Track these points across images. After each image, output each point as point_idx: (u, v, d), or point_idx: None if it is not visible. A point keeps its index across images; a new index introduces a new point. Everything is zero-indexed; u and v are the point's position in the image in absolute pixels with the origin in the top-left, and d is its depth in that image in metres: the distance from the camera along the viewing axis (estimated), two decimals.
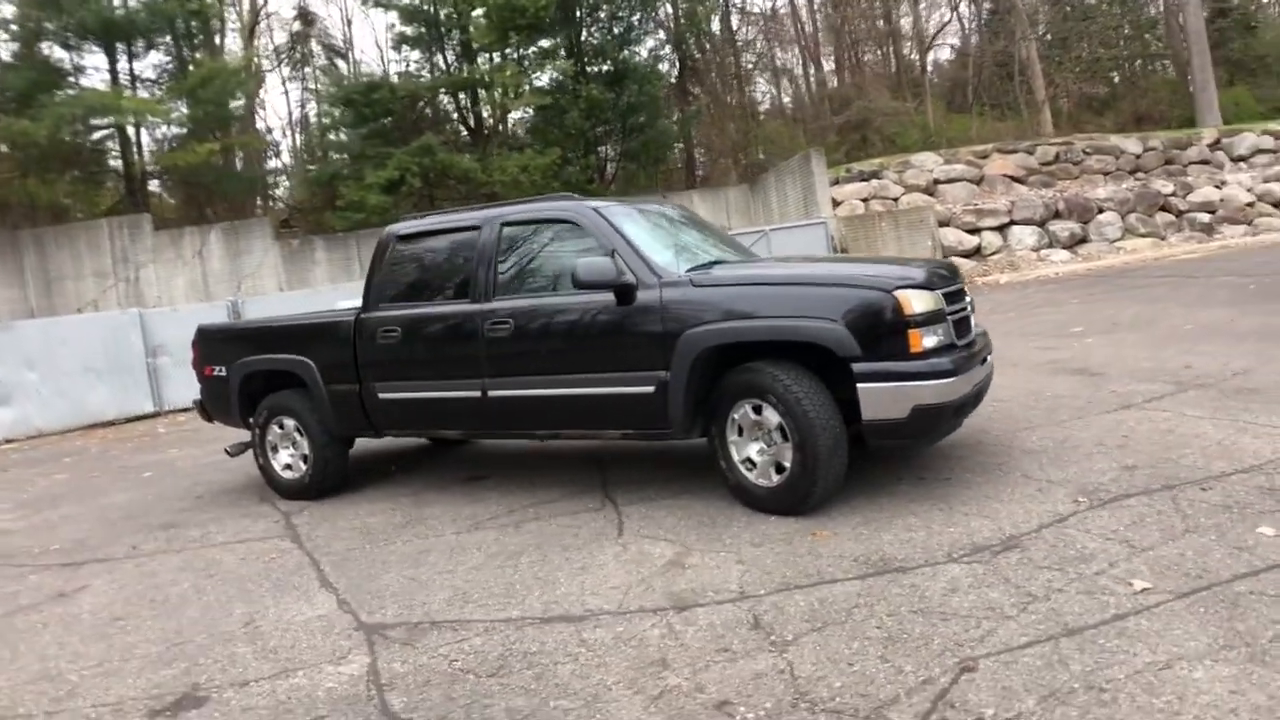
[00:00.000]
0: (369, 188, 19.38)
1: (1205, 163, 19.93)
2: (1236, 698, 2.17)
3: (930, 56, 27.75)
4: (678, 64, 23.86)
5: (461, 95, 22.61)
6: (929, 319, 3.84)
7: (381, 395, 5.19)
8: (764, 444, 4.10)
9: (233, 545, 4.75)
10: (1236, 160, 19.97)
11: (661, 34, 23.18)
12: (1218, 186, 18.89)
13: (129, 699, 2.92)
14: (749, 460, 4.15)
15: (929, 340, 3.82)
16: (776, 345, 4.03)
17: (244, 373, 5.82)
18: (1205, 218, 18.17)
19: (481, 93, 21.73)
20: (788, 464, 3.96)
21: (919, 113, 24.94)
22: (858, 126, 24.34)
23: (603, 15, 20.98)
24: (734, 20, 26.81)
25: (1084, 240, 17.79)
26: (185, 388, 12.44)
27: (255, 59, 21.44)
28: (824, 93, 27.12)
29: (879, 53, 28.74)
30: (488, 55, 21.05)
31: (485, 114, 23.20)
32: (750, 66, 28.52)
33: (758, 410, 4.04)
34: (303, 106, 31.20)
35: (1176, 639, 2.48)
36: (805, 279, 4.22)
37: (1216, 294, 9.94)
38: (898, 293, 3.80)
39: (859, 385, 3.78)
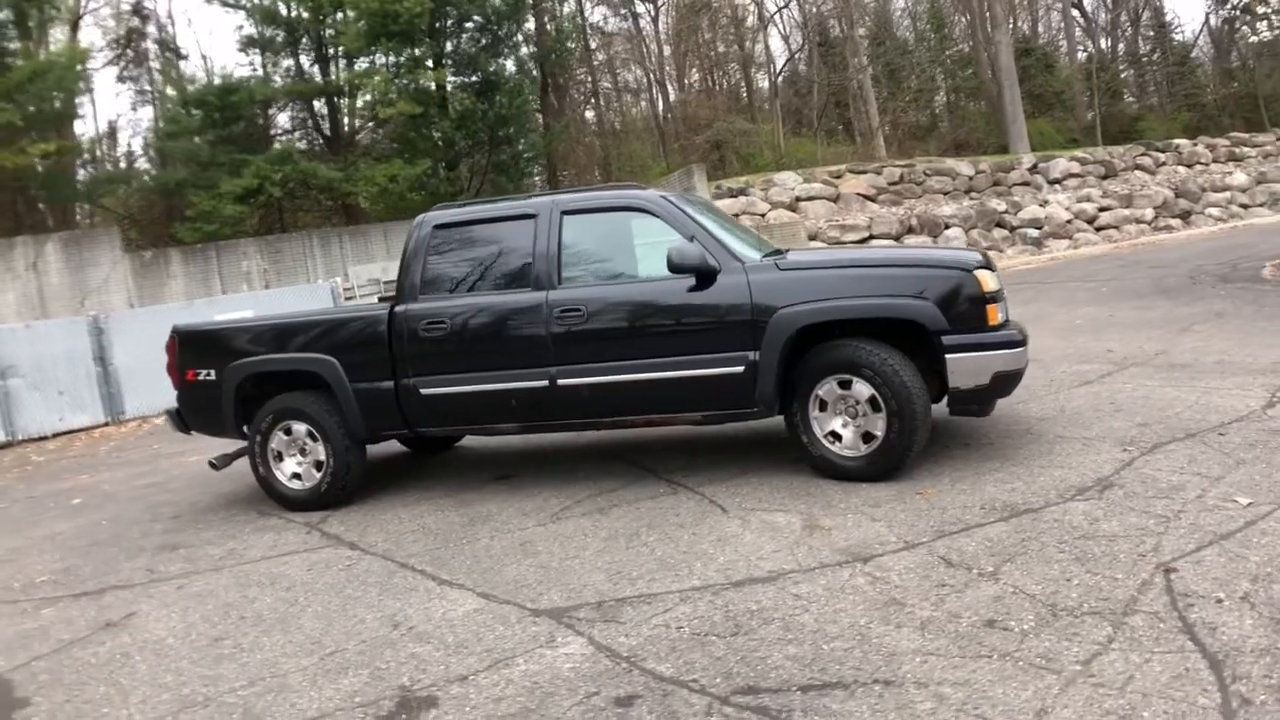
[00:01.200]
0: (222, 197, 18.03)
1: (1026, 184, 22.67)
2: None
3: (778, 82, 29.59)
4: (542, 80, 23.97)
5: (317, 102, 21.53)
6: (997, 296, 4.29)
7: (424, 391, 4.98)
8: (847, 417, 4.38)
9: (284, 558, 4.39)
10: (1052, 183, 22.87)
11: (526, 50, 23.20)
12: (1042, 205, 21.56)
13: (337, 711, 2.70)
14: (832, 433, 4.42)
15: (1000, 315, 4.28)
16: (860, 323, 4.32)
17: (242, 375, 5.36)
18: (1034, 233, 20.66)
19: (342, 100, 20.79)
20: (878, 433, 4.26)
21: (770, 135, 26.52)
22: (716, 146, 25.54)
23: (471, 26, 20.76)
24: (593, 41, 27.32)
25: None
26: (44, 410, 11.07)
27: (83, 55, 19.26)
28: (683, 112, 28.19)
29: (730, 78, 30.30)
30: (349, 61, 20.20)
31: (344, 122, 22.20)
32: (608, 86, 29.15)
33: (845, 385, 4.32)
34: (134, 109, 28.32)
35: None
36: (887, 262, 4.57)
37: (1078, 295, 11.42)
38: (977, 272, 4.23)
39: (948, 356, 4.15)
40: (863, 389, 4.27)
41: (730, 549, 3.65)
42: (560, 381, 4.73)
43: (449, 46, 20.48)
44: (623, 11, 27.93)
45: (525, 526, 4.40)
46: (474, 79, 20.79)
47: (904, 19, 36.33)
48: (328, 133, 21.50)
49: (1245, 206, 22.55)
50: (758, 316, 4.38)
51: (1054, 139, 29.14)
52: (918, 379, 4.22)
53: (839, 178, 21.67)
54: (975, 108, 30.62)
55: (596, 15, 27.75)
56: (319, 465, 5.29)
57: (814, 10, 31.44)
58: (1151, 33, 35.07)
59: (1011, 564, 3.10)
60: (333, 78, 20.87)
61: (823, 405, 4.42)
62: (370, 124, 19.84)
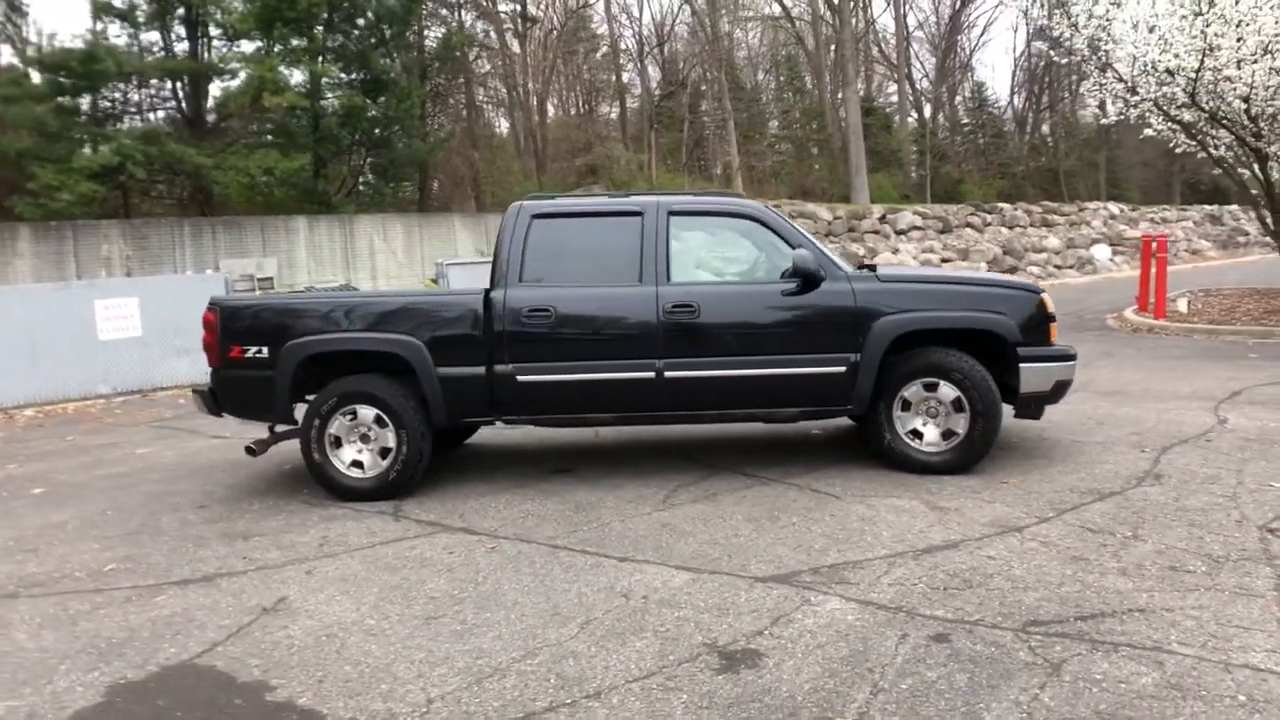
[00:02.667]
0: (74, 173, 16.18)
1: (877, 232, 24.98)
2: None
3: (652, 115, 30.68)
4: (428, 87, 23.49)
5: (180, 81, 19.85)
6: (1055, 317, 5.06)
7: (521, 378, 5.01)
8: (927, 416, 4.96)
9: (401, 544, 4.28)
10: (899, 233, 25.35)
11: (411, 55, 22.68)
12: (894, 252, 23.84)
13: (660, 670, 2.78)
14: (914, 431, 4.97)
15: (1056, 332, 5.04)
16: (945, 333, 4.93)
17: (305, 355, 5.10)
18: None
19: (216, 82, 19.34)
20: (959, 431, 4.87)
21: (644, 167, 27.48)
22: (592, 171, 26.10)
23: (362, 23, 20.05)
24: (470, 53, 27.06)
25: None
26: None
27: None
28: (561, 134, 28.53)
29: (607, 105, 31.04)
30: (229, 42, 18.87)
31: (206, 105, 20.57)
32: (484, 100, 28.96)
33: (930, 388, 4.90)
34: None
35: None
36: (969, 281, 5.23)
37: None
38: (1043, 296, 4.97)
39: (1022, 365, 4.84)
40: (948, 391, 4.86)
41: (884, 526, 4.06)
42: (667, 374, 4.95)
43: (339, 40, 19.63)
44: (507, 26, 27.92)
45: (643, 512, 4.57)
46: (362, 76, 20.04)
47: (752, 69, 39.02)
48: (190, 115, 19.79)
49: (1059, 267, 26.12)
50: (861, 322, 4.86)
51: (890, 194, 32.30)
52: (994, 384, 4.87)
53: None
54: (822, 157, 33.29)
55: (477, 28, 27.51)
56: (384, 452, 5.13)
57: (675, 50, 33.04)
58: (974, 105, 39.84)
59: (1143, 530, 3.75)
60: (203, 58, 19.32)
61: (905, 405, 4.97)
62: (246, 111, 18.48)
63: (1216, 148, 10.93)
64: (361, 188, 22.00)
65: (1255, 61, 8.96)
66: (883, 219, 25.68)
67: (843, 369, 4.89)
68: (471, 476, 5.58)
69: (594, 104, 31.17)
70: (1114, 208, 31.78)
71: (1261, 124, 9.80)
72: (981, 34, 42.53)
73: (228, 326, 5.23)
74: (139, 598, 3.72)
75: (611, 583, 3.54)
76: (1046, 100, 41.01)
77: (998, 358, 4.93)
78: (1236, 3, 9.01)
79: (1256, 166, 10.23)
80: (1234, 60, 9.11)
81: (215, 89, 19.75)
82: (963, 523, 4.03)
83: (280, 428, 5.42)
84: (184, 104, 20.20)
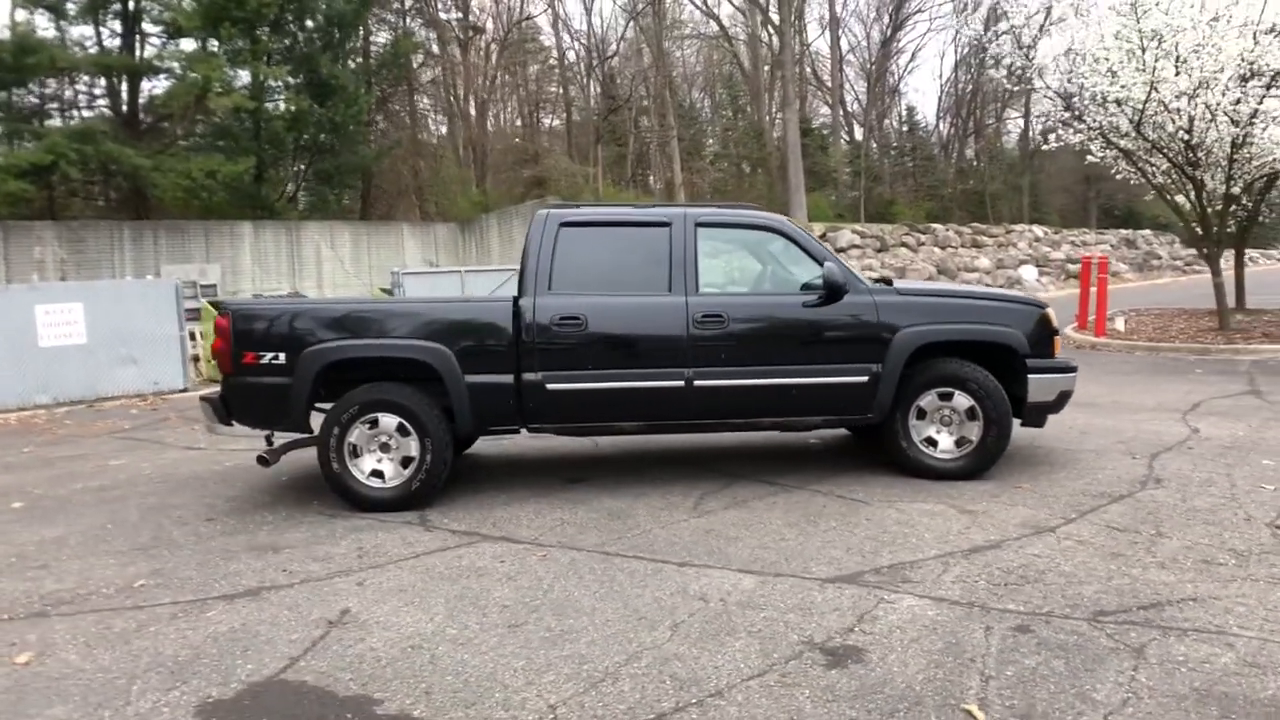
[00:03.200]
0: (3, 170, 15.35)
1: None
2: None
3: (599, 130, 30.83)
4: (375, 93, 23.11)
5: (116, 78, 19.05)
6: (1058, 331, 5.36)
7: (552, 386, 5.03)
8: (941, 425, 5.18)
9: (445, 554, 4.24)
10: (839, 250, 26.08)
11: (359, 60, 22.31)
12: None
13: (773, 668, 2.88)
14: (928, 439, 5.19)
15: (1059, 346, 5.34)
16: (958, 345, 5.16)
17: (326, 362, 4.99)
18: None
19: (154, 80, 18.62)
20: (973, 438, 5.11)
21: (590, 181, 27.61)
22: (539, 183, 26.10)
23: (311, 25, 19.63)
24: (416, 60, 26.74)
25: None
26: None
27: None
28: (508, 144, 28.41)
29: (553, 118, 31.07)
30: (170, 39, 18.21)
31: (147, 104, 19.78)
32: (426, 107, 28.61)
33: (945, 397, 5.13)
34: None
35: None
36: (979, 295, 5.47)
37: None
38: (1047, 311, 5.27)
39: (1030, 376, 5.11)
40: (963, 400, 5.10)
41: (923, 528, 4.23)
42: (697, 383, 5.04)
43: (285, 42, 19.17)
44: (453, 34, 27.69)
45: (679, 519, 4.63)
46: (309, 80, 19.60)
47: (688, 86, 39.65)
48: (125, 114, 18.97)
49: (989, 286, 27.35)
50: (882, 334, 5.06)
51: (826, 213, 33.25)
52: (1005, 394, 5.13)
53: None
54: (760, 175, 34.06)
55: (421, 35, 27.20)
56: (405, 462, 5.06)
57: (620, 66, 33.35)
58: (905, 129, 41.39)
59: (1165, 528, 4.03)
60: (139, 54, 18.59)
61: (920, 414, 5.19)
62: (190, 111, 17.80)
63: (1154, 175, 11.69)
64: (304, 194, 21.47)
65: (1195, 95, 9.65)
66: (823, 237, 26.39)
67: (865, 379, 5.07)
68: (485, 486, 5.54)
69: (538, 116, 31.15)
70: (1038, 230, 33.43)
71: (1199, 153, 10.55)
72: (910, 60, 44.43)
73: (241, 332, 5.08)
74: (186, 614, 3.58)
75: (682, 587, 3.60)
76: (972, 125, 42.95)
77: (1006, 369, 5.19)
78: (1175, 41, 9.71)
79: (1193, 192, 10.99)
80: (1176, 93, 9.80)
81: (151, 87, 18.99)
82: (996, 524, 4.23)
83: (279, 438, 5.29)
84: (119, 102, 19.37)
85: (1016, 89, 12.46)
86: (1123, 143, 11.51)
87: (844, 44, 42.73)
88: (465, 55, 29.42)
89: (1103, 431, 6.37)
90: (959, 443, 5.16)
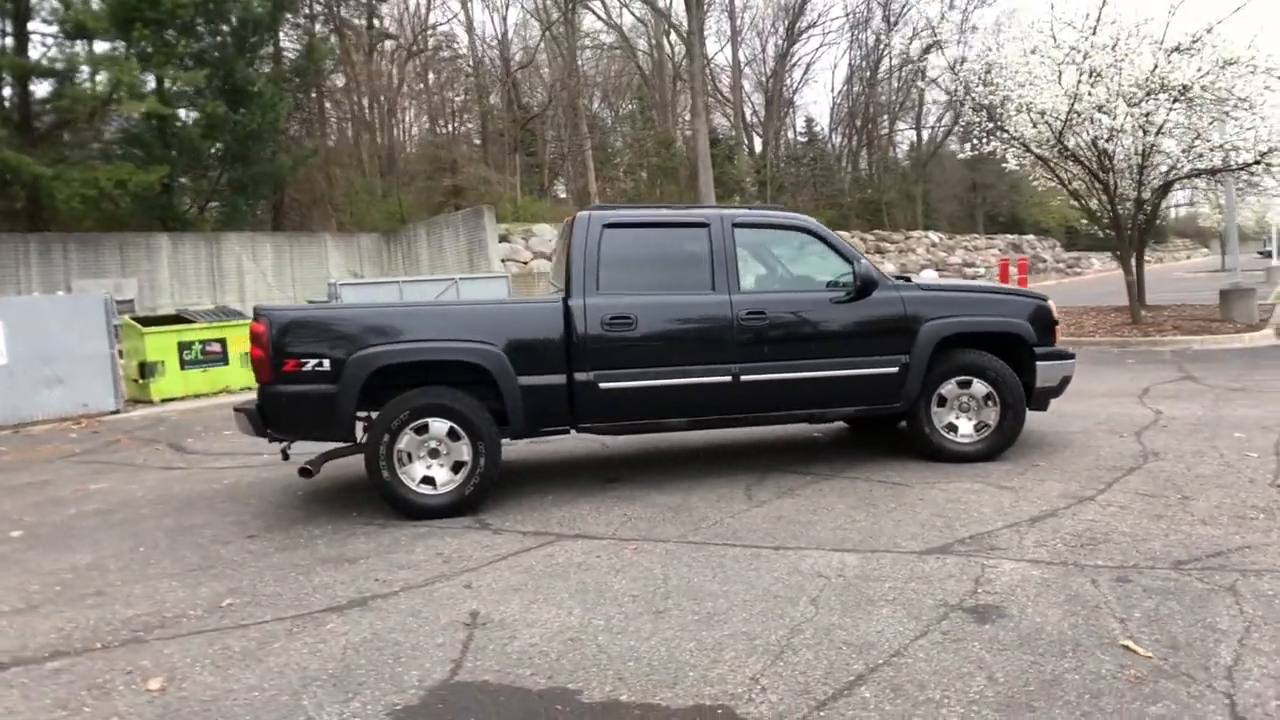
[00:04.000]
0: None
1: None
2: None
3: (516, 138, 30.64)
4: (289, 101, 22.28)
5: (5, 80, 17.68)
6: (1059, 321, 5.86)
7: (605, 386, 5.12)
8: (959, 411, 5.59)
9: (535, 552, 4.29)
10: None
11: (273, 66, 21.48)
12: None
13: (928, 631, 3.13)
14: (949, 425, 5.59)
15: (1059, 335, 5.85)
16: (976, 335, 5.58)
17: (375, 366, 4.92)
18: None
19: (44, 84, 17.38)
20: (991, 423, 5.53)
21: (509, 190, 27.48)
22: (458, 191, 25.79)
23: (225, 29, 18.79)
24: (328, 66, 25.91)
25: None
26: None
27: None
28: (426, 153, 27.88)
29: (467, 126, 30.63)
30: (69, 41, 17.05)
31: (31, 109, 18.42)
32: (342, 117, 27.76)
33: (964, 385, 5.54)
34: None
35: None
36: (989, 290, 5.91)
37: None
38: (1049, 302, 5.76)
39: (1039, 363, 5.59)
40: (980, 388, 5.52)
41: (976, 505, 4.58)
42: (743, 378, 5.25)
43: (197, 46, 18.26)
44: (363, 40, 26.97)
45: (740, 509, 4.83)
46: (224, 85, 18.74)
47: (589, 95, 39.91)
48: (17, 120, 17.59)
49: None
50: (910, 326, 5.42)
51: None
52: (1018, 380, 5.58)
53: None
54: (669, 185, 34.67)
55: (332, 41, 26.36)
56: (457, 467, 5.05)
57: (534, 75, 33.33)
58: (804, 140, 43.03)
59: (1189, 491, 4.53)
60: (32, 56, 17.32)
61: (941, 401, 5.57)
62: (99, 115, 16.67)
63: (1070, 181, 12.76)
64: (216, 204, 20.47)
65: (1115, 107, 10.64)
66: None
67: (895, 369, 5.41)
68: (525, 489, 5.56)
69: (453, 125, 30.72)
70: (933, 236, 35.52)
71: (1111, 160, 11.62)
72: (805, 73, 46.28)
73: (281, 339, 4.94)
74: (301, 629, 3.50)
75: (794, 567, 3.80)
76: (865, 138, 45.13)
77: (1015, 357, 5.64)
78: (1091, 60, 10.70)
79: (1104, 196, 12.08)
80: (1094, 106, 10.78)
81: (45, 91, 17.71)
82: (1039, 497, 4.63)
83: (286, 446, 5.22)
84: (9, 108, 17.94)
85: (925, 102, 13.32)
86: (1040, 151, 12.51)
87: (741, 56, 44.12)
88: (371, 62, 28.73)
89: (1078, 415, 6.97)
90: (978, 427, 5.57)
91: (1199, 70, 10.36)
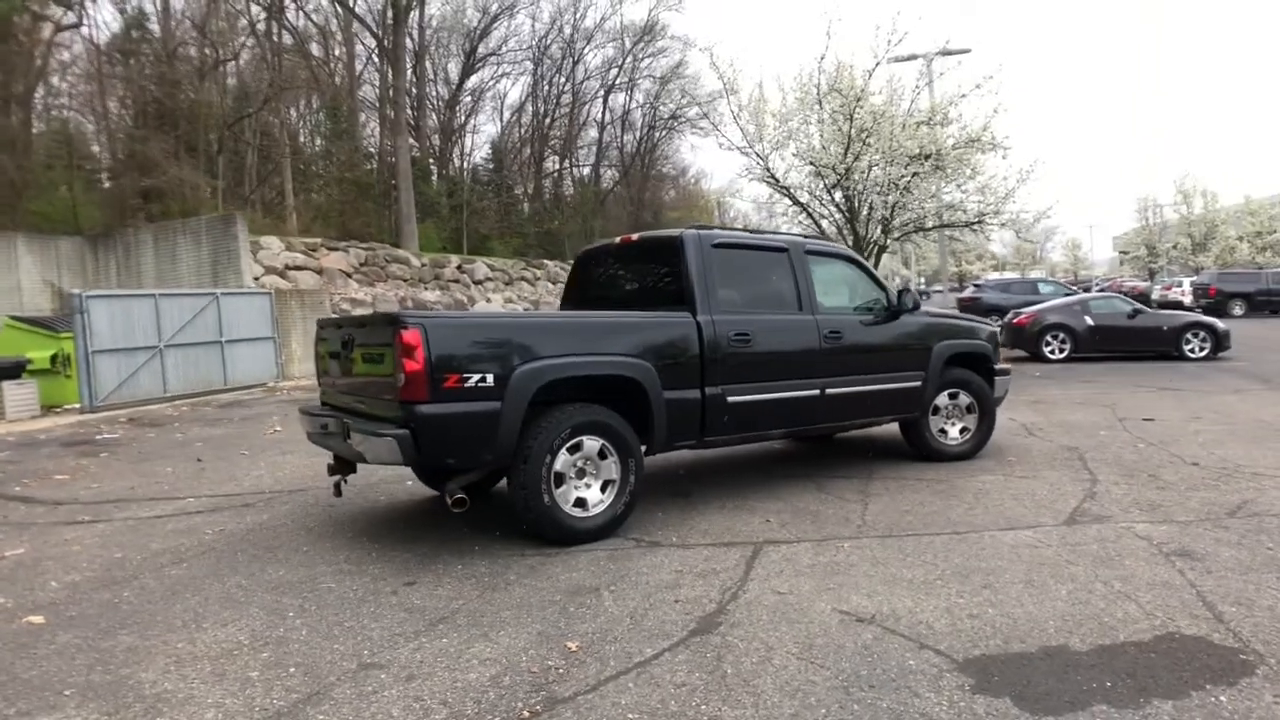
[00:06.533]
0: None
1: (458, 281, 25.95)
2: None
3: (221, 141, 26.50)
4: None
5: None
6: (1001, 344, 7.40)
7: (731, 399, 5.35)
8: (946, 418, 6.81)
9: (754, 561, 4.46)
10: (476, 283, 26.67)
11: None
12: (487, 301, 25.07)
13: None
14: (941, 430, 6.79)
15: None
16: (964, 356, 6.82)
17: (542, 382, 4.61)
18: None
19: None
20: (971, 428, 6.84)
21: (215, 192, 23.99)
22: (158, 195, 21.94)
23: None
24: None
25: None
26: None
27: None
28: (126, 148, 22.90)
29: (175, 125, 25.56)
30: None
31: None
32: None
33: (952, 396, 6.79)
34: None
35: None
36: (961, 318, 7.17)
37: None
38: (996, 328, 7.28)
39: (997, 377, 7.04)
40: (965, 399, 6.81)
41: (1029, 490, 5.72)
42: (827, 391, 5.85)
43: None
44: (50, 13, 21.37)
45: (854, 510, 5.40)
46: None
47: (300, 109, 36.25)
48: None
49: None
50: (927, 346, 6.50)
51: (435, 242, 33.53)
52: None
53: (315, 250, 21.39)
54: (369, 202, 32.85)
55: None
56: (604, 486, 4.92)
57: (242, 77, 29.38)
58: (492, 168, 43.38)
59: (1158, 473, 6.16)
60: None
61: (934, 410, 6.74)
62: None
63: (825, 223, 15.35)
64: None
65: (875, 166, 13.22)
66: (459, 268, 26.90)
67: (919, 383, 6.45)
68: None
69: (156, 121, 25.62)
70: None
71: (865, 210, 14.36)
72: (476, 100, 46.69)
73: (441, 349, 4.37)
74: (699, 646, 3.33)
75: (999, 542, 4.54)
76: (538, 169, 47.08)
77: (982, 373, 6.98)
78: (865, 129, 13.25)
79: (851, 240, 14.74)
80: (867, 165, 13.31)
81: None
82: (1063, 481, 5.93)
83: (342, 479, 4.81)
84: None
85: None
86: (803, 197, 14.98)
87: (426, 80, 43.33)
88: (54, 41, 22.91)
89: (1048, 424, 8.48)
90: (961, 431, 6.83)
91: (951, 143, 13.45)
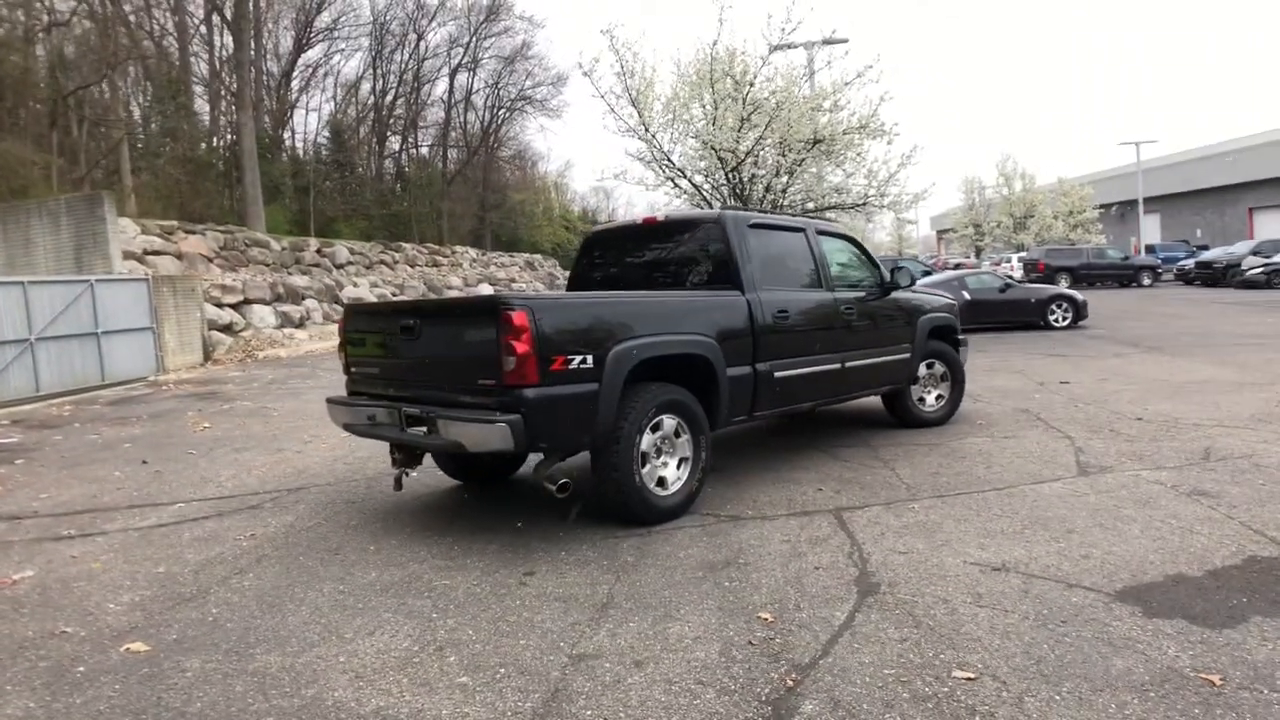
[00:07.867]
0: None
1: (318, 265, 24.37)
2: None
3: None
4: None
5: None
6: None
7: (777, 374, 5.54)
8: (924, 386, 7.37)
9: (849, 526, 4.72)
10: (338, 267, 25.13)
11: None
12: (355, 286, 23.67)
13: None
14: (920, 398, 7.34)
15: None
16: (940, 328, 7.37)
17: (636, 361, 4.61)
18: None
19: None
20: (945, 395, 7.44)
21: (50, 170, 21.10)
22: None
23: None
24: None
25: (304, 321, 19.82)
26: None
27: None
28: None
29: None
30: None
31: None
32: None
33: (929, 366, 7.35)
34: None
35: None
36: (932, 292, 7.68)
37: None
38: (955, 304, 7.92)
39: (961, 348, 7.67)
40: (940, 368, 7.38)
41: (1025, 448, 6.33)
42: (846, 364, 6.18)
43: None
44: None
45: (893, 474, 5.79)
46: None
47: (134, 83, 32.23)
48: None
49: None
50: (913, 320, 6.99)
51: (281, 225, 31.28)
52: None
53: (172, 234, 19.44)
54: (210, 182, 30.12)
55: None
56: (680, 463, 5.00)
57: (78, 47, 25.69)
58: (333, 148, 40.76)
59: (1120, 429, 6.96)
60: None
61: (917, 379, 7.28)
62: None
63: (713, 205, 15.85)
64: None
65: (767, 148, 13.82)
66: (319, 252, 25.34)
67: (909, 355, 6.93)
68: None
69: None
70: (473, 252, 37.38)
71: (751, 190, 14.99)
72: (315, 76, 43.41)
73: (547, 329, 4.26)
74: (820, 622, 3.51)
75: (1045, 494, 5.05)
76: (381, 150, 44.91)
77: (951, 343, 7.58)
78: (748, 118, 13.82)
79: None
80: (755, 145, 13.91)
81: None
82: (1049, 439, 6.57)
83: (404, 473, 4.89)
84: None
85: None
86: (697, 179, 15.40)
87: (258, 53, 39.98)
88: None
89: (991, 388, 9.24)
90: (937, 399, 7.40)
91: (843, 129, 14.25)
